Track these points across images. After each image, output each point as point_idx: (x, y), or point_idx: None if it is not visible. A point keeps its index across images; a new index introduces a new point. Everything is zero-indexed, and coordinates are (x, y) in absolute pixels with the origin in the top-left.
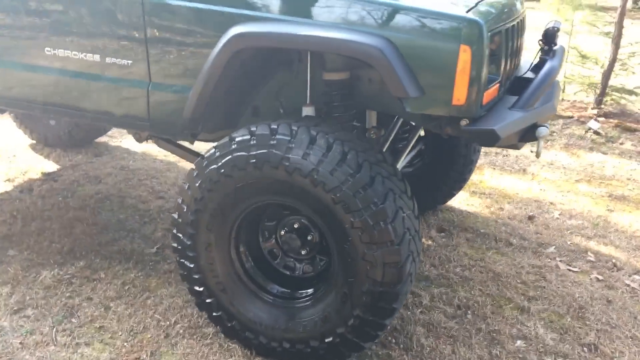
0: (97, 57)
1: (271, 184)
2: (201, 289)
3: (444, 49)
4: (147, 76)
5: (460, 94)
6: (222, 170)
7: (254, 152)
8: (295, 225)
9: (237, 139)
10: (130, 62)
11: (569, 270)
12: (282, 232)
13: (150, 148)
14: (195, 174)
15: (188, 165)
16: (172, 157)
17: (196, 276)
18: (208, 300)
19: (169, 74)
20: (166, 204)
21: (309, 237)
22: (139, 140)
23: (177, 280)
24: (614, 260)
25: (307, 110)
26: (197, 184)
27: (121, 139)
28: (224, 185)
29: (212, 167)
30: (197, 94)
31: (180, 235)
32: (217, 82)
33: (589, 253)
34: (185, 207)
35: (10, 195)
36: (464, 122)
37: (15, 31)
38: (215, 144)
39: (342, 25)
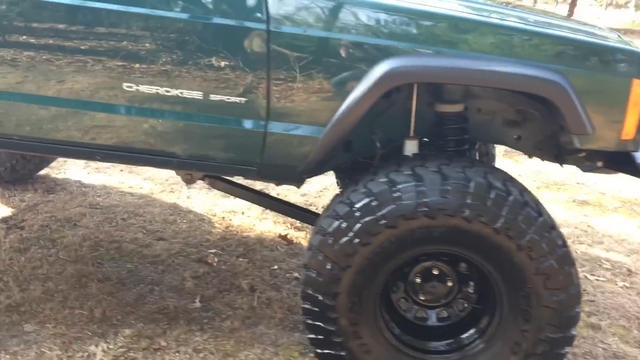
0: (198, 94)
1: (443, 233)
2: (343, 353)
3: (616, 83)
4: (264, 116)
5: (630, 128)
6: (384, 222)
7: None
8: (435, 272)
9: (400, 186)
10: (244, 99)
11: (597, 280)
12: (419, 280)
13: (106, 180)
14: (343, 225)
15: (168, 199)
16: (142, 190)
17: (337, 340)
18: None
19: (295, 114)
20: (171, 246)
21: (449, 283)
22: (190, 182)
23: (253, 338)
24: (626, 266)
25: (411, 144)
26: (347, 238)
27: (63, 169)
28: (383, 237)
29: (369, 218)
30: (333, 134)
31: (319, 295)
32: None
33: (602, 261)
34: (329, 264)
35: None
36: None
37: (73, 62)
38: (360, 189)
39: (505, 59)
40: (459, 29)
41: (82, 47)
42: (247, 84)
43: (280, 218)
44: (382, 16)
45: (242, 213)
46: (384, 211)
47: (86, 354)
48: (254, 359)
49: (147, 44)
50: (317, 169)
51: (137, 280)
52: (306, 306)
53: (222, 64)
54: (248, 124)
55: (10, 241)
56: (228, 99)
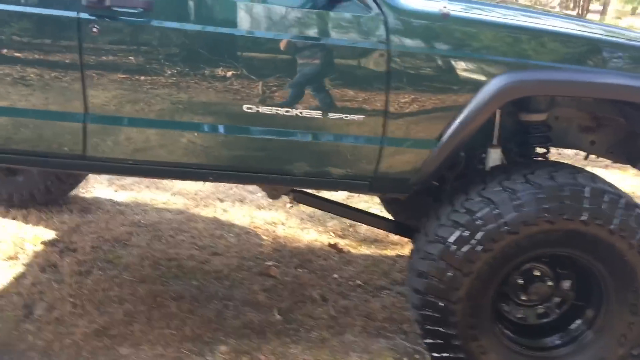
0: (317, 113)
1: (560, 236)
2: (462, 355)
3: None
4: (380, 132)
5: None
6: (507, 228)
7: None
8: (537, 273)
9: (520, 194)
10: (362, 117)
11: None
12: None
13: (136, 197)
14: (465, 234)
15: (206, 213)
16: (176, 206)
17: (457, 343)
18: None
19: (411, 128)
20: (229, 261)
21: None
22: (275, 197)
23: (345, 346)
24: None
25: (495, 152)
26: (470, 245)
27: (88, 189)
28: (505, 243)
29: (492, 225)
30: (448, 147)
31: (440, 301)
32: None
33: None
34: (451, 271)
35: (37, 278)
36: None
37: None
38: (476, 198)
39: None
40: (566, 44)
41: (210, 73)
42: (367, 101)
43: (321, 227)
44: (498, 34)
45: (282, 224)
46: (506, 218)
47: None
48: None
49: (270, 67)
50: (428, 180)
51: (208, 297)
52: (425, 312)
53: (344, 82)
54: (365, 140)
55: (69, 264)
56: (346, 116)
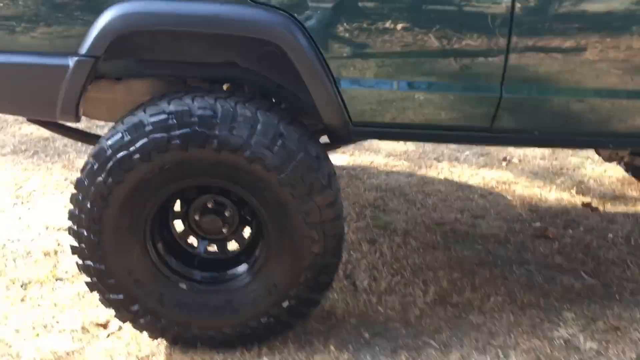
0: None
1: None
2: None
3: None
4: None
5: None
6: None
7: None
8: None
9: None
10: None
11: None
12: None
13: (353, 160)
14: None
15: (432, 174)
16: (396, 167)
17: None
18: None
19: None
20: (494, 223)
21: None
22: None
23: None
24: None
25: None
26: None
27: None
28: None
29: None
30: None
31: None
32: None
33: None
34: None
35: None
36: None
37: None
38: None
39: None
40: None
41: None
42: None
43: (553, 184)
44: None
45: (515, 182)
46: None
47: (561, 340)
48: None
49: None
50: None
51: (504, 262)
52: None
53: None
54: None
55: (352, 232)
56: None
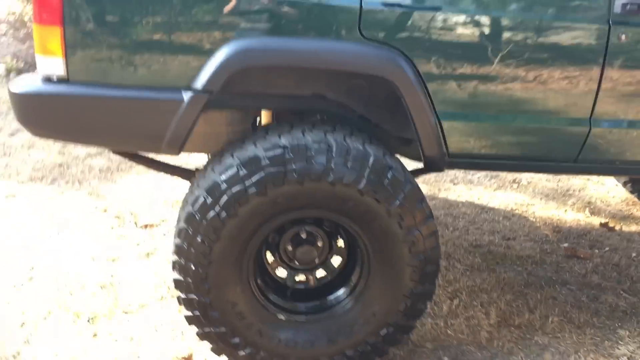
0: None
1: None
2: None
3: None
4: None
5: None
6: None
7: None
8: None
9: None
10: None
11: None
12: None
13: None
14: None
15: (453, 197)
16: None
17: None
18: None
19: None
20: (525, 244)
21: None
22: None
23: None
24: None
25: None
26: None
27: None
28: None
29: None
30: None
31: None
32: None
33: None
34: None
35: None
36: None
37: None
38: None
39: None
40: None
41: None
42: None
43: (566, 206)
44: None
45: (531, 204)
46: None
47: (625, 358)
48: None
49: None
50: None
51: (547, 282)
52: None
53: None
54: None
55: None
56: None
